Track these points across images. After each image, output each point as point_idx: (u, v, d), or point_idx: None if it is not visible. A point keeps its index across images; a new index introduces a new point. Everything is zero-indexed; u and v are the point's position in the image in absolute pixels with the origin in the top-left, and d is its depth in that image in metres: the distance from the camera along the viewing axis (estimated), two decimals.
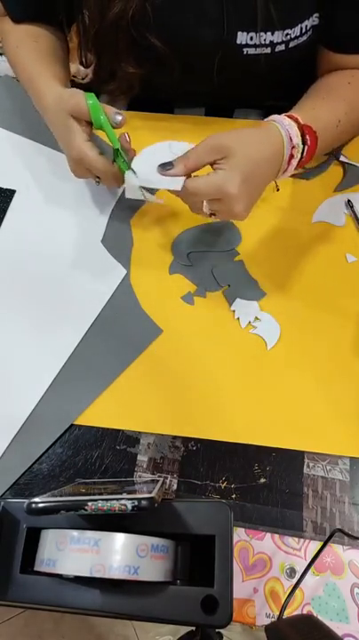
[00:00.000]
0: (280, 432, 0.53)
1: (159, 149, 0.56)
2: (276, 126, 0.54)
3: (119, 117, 0.54)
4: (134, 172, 0.55)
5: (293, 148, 0.55)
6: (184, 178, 0.52)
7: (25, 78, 0.67)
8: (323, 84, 0.66)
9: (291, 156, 0.55)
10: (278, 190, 0.61)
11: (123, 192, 0.59)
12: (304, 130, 0.55)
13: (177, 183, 0.52)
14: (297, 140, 0.55)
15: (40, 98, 0.62)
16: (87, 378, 0.56)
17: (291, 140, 0.54)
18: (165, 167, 0.53)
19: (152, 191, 0.62)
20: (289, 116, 0.56)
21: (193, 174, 0.54)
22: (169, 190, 0.54)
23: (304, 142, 0.55)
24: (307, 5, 0.61)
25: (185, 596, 0.36)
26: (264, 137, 0.54)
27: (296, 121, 0.56)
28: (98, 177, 0.59)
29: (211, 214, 0.55)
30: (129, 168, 0.56)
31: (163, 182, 0.53)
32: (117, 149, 0.55)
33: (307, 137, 0.55)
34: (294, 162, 0.56)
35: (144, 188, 0.56)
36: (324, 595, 0.46)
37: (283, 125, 0.54)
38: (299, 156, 0.56)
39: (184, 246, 0.64)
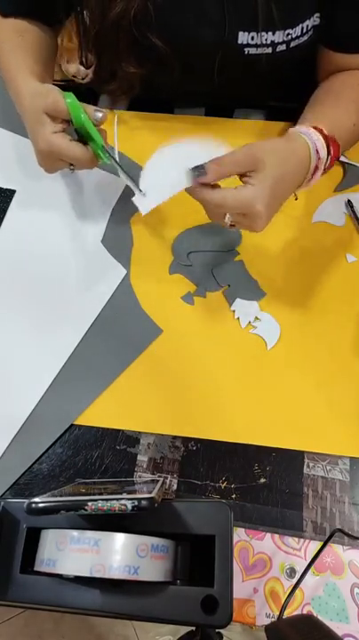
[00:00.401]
0: (280, 432, 0.53)
1: (163, 159, 0.55)
2: (304, 139, 0.54)
3: (99, 114, 0.54)
4: (142, 193, 0.54)
5: (319, 160, 0.54)
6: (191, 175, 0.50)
7: (5, 74, 0.66)
8: (332, 87, 0.66)
9: (316, 168, 0.55)
10: (296, 199, 0.60)
11: (123, 192, 0.59)
12: (329, 141, 0.55)
13: (187, 182, 0.51)
14: (323, 152, 0.54)
15: (17, 94, 0.61)
16: (87, 378, 0.56)
17: (317, 152, 0.54)
18: (198, 173, 0.50)
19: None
20: (315, 128, 0.56)
21: None
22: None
23: (328, 153, 0.55)
24: (307, 5, 0.61)
25: (185, 596, 0.36)
26: (292, 150, 0.53)
27: (321, 132, 0.55)
28: (71, 164, 0.57)
29: (231, 226, 0.53)
30: (118, 165, 0.55)
31: (174, 188, 0.51)
32: (102, 145, 0.54)
33: (331, 148, 0.55)
34: (318, 173, 0.56)
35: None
36: (324, 595, 0.46)
37: (311, 138, 0.54)
38: (323, 167, 0.55)
39: (184, 246, 0.64)
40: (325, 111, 0.63)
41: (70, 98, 0.53)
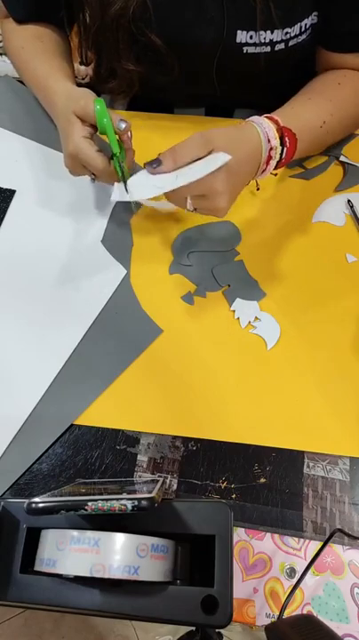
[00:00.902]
0: (280, 432, 0.53)
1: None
2: (255, 127, 0.55)
3: (123, 125, 0.55)
4: (126, 189, 0.55)
5: (271, 149, 0.55)
6: (176, 178, 0.51)
7: (32, 78, 0.67)
8: (313, 84, 0.66)
9: (270, 157, 0.56)
10: (258, 189, 0.62)
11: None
12: (283, 132, 0.56)
13: (170, 185, 0.51)
14: (275, 142, 0.55)
15: (50, 95, 0.62)
16: (87, 378, 0.56)
17: (268, 141, 0.55)
18: (153, 164, 0.52)
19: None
20: (269, 118, 0.56)
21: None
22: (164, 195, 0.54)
23: (283, 144, 0.56)
24: (305, 4, 0.61)
25: (185, 596, 0.36)
26: (244, 136, 0.54)
27: (275, 122, 0.56)
28: (94, 174, 0.58)
29: (194, 209, 0.55)
30: (122, 177, 0.56)
31: (155, 190, 0.52)
32: (116, 155, 0.55)
33: (286, 139, 0.56)
34: (273, 162, 0.56)
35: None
36: (324, 595, 0.46)
37: (262, 127, 0.55)
38: (278, 157, 0.56)
39: (184, 246, 0.64)
40: (293, 104, 0.63)
41: (100, 104, 0.54)
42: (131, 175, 0.56)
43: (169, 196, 0.55)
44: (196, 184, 0.51)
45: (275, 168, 0.58)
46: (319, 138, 0.63)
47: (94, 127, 0.56)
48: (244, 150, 0.53)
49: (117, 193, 0.56)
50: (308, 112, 0.61)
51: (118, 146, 0.55)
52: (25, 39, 0.69)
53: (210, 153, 0.51)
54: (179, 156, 0.52)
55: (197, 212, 0.55)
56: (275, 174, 0.60)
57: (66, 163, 0.59)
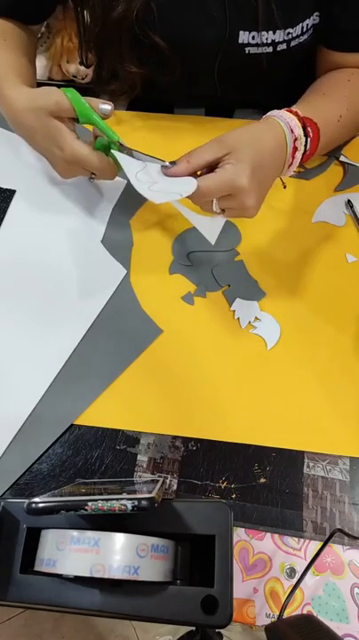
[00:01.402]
0: (280, 432, 0.53)
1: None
2: (276, 119, 0.54)
3: (107, 107, 0.52)
4: (170, 165, 0.52)
5: (296, 140, 0.54)
6: (195, 182, 0.50)
7: None
8: (323, 81, 0.66)
9: (295, 149, 0.55)
10: (285, 187, 0.60)
11: (123, 192, 0.59)
12: (305, 122, 0.55)
13: (189, 187, 0.50)
14: (298, 131, 0.54)
15: (7, 103, 0.58)
16: (87, 378, 0.56)
17: (292, 131, 0.54)
18: (168, 167, 0.51)
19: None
20: (288, 110, 0.56)
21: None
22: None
23: (306, 134, 0.55)
24: (307, 4, 0.61)
25: (185, 596, 0.36)
26: (265, 130, 0.53)
27: (295, 114, 0.55)
28: (93, 174, 0.57)
29: (221, 212, 0.53)
30: (141, 154, 0.53)
31: (174, 192, 0.50)
32: (118, 140, 0.52)
33: (309, 129, 0.55)
34: (299, 154, 0.55)
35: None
36: (324, 595, 0.46)
37: (283, 118, 0.54)
38: (303, 148, 0.55)
39: (184, 246, 0.64)
40: (308, 99, 0.63)
41: (71, 92, 0.51)
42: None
43: (192, 199, 0.53)
44: (221, 182, 0.49)
45: (301, 161, 0.56)
46: (336, 132, 0.63)
47: (73, 120, 0.54)
48: (267, 144, 0.52)
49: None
50: (325, 106, 0.61)
51: (109, 127, 0.52)
52: None
53: (227, 155, 0.50)
54: (194, 158, 0.51)
55: (226, 215, 0.54)
56: (285, 186, 0.58)
57: (59, 169, 0.57)
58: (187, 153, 0.51)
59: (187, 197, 0.51)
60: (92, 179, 0.58)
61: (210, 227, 0.57)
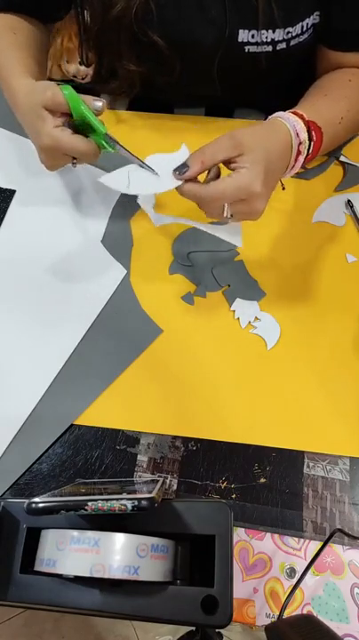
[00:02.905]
0: (280, 432, 0.53)
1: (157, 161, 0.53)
2: (283, 122, 0.54)
3: (99, 104, 0.53)
4: (156, 173, 0.53)
5: (300, 144, 0.54)
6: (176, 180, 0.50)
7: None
8: (324, 81, 0.66)
9: (299, 152, 0.55)
10: (284, 189, 0.60)
11: (124, 193, 0.58)
12: (310, 125, 0.55)
13: (175, 182, 0.50)
14: (304, 135, 0.54)
15: (12, 93, 0.59)
16: (87, 378, 0.56)
17: (297, 135, 0.54)
18: (182, 170, 0.50)
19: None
20: (294, 113, 0.56)
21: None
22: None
23: (310, 138, 0.55)
24: (307, 3, 0.61)
25: (185, 596, 0.36)
26: (273, 132, 0.53)
27: (301, 117, 0.55)
28: (74, 159, 0.56)
29: (230, 216, 0.52)
30: (131, 155, 0.53)
31: (161, 186, 0.51)
32: (105, 134, 0.53)
33: (313, 133, 0.55)
34: (301, 158, 0.55)
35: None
36: (324, 595, 0.46)
37: (290, 122, 0.54)
38: (306, 152, 0.55)
39: (184, 246, 0.64)
40: (311, 100, 0.62)
41: (68, 90, 0.52)
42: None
43: (201, 204, 0.52)
44: (237, 188, 0.49)
45: (303, 164, 0.56)
46: (337, 133, 0.63)
47: (66, 115, 0.54)
48: (277, 147, 0.52)
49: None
50: (327, 108, 0.61)
51: (103, 124, 0.53)
52: None
53: (240, 156, 0.49)
54: (209, 159, 0.50)
55: (233, 219, 0.53)
56: (283, 188, 0.58)
57: (41, 159, 0.57)
58: (198, 151, 0.50)
59: (197, 201, 0.51)
60: (75, 164, 0.57)
61: (231, 231, 0.57)
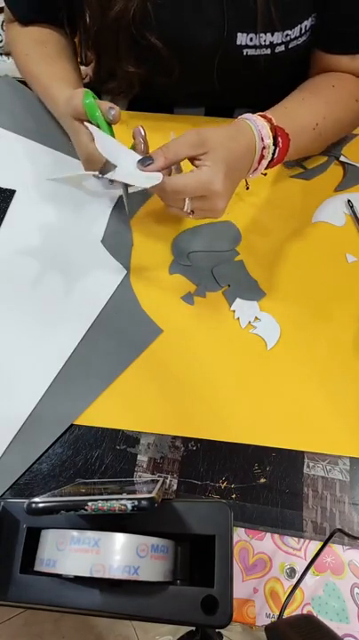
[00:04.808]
0: (280, 432, 0.53)
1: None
2: (249, 124, 0.54)
3: (112, 112, 0.54)
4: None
5: (264, 148, 0.54)
6: (160, 175, 0.51)
7: (37, 86, 0.68)
8: (307, 85, 0.66)
9: (262, 157, 0.55)
10: (248, 189, 0.61)
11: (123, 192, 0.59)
12: (277, 131, 0.55)
13: (155, 179, 0.51)
14: (268, 140, 0.54)
15: (53, 105, 0.63)
16: (87, 378, 0.56)
17: (262, 139, 0.54)
18: (145, 162, 0.51)
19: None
20: (262, 116, 0.56)
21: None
22: (149, 188, 0.52)
23: (276, 144, 0.55)
24: (305, 6, 0.61)
25: (185, 596, 0.36)
26: (238, 133, 0.54)
27: (269, 121, 0.55)
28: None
29: (190, 212, 0.54)
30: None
31: (141, 180, 0.51)
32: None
33: (279, 139, 0.55)
34: (264, 162, 0.56)
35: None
36: (324, 595, 0.46)
37: (256, 125, 0.54)
38: (270, 157, 0.56)
39: (184, 246, 0.64)
40: (287, 104, 0.62)
41: (88, 98, 0.53)
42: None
43: (164, 197, 0.54)
44: (197, 184, 0.50)
45: (266, 168, 0.57)
46: (311, 139, 0.63)
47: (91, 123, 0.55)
48: (240, 149, 0.53)
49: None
50: (302, 113, 0.61)
51: (112, 132, 0.54)
52: (29, 45, 0.69)
53: (205, 154, 0.51)
54: (171, 154, 0.51)
55: (193, 215, 0.54)
56: (265, 174, 0.59)
57: (84, 168, 0.59)
58: (163, 147, 0.52)
59: (159, 194, 0.53)
60: (100, 176, 0.58)
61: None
